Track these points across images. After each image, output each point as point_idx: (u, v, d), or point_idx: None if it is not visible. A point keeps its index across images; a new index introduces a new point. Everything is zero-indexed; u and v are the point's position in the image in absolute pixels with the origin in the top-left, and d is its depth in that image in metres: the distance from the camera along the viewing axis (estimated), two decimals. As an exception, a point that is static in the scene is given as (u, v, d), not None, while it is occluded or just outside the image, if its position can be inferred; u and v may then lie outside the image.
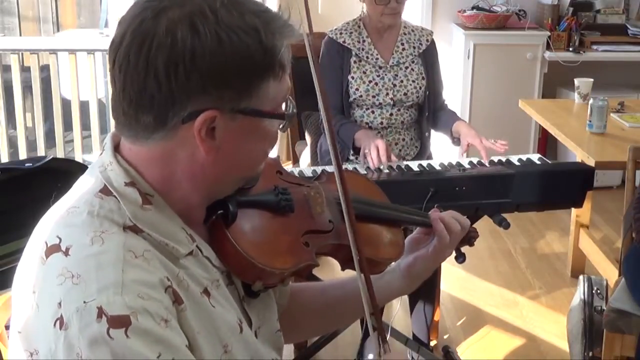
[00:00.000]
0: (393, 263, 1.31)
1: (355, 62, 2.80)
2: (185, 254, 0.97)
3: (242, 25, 0.92)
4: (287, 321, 1.20)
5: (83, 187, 0.98)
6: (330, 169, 2.42)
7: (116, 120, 0.97)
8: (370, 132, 2.70)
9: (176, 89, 0.90)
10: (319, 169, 2.44)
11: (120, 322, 0.83)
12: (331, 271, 3.27)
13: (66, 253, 0.89)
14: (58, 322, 0.84)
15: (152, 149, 0.95)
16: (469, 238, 1.38)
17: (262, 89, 0.95)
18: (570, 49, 4.60)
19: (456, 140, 2.76)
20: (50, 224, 0.95)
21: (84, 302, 0.84)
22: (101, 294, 0.84)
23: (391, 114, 2.81)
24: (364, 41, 2.83)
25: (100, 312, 0.83)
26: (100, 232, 0.90)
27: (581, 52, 4.58)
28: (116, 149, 0.99)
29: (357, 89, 2.78)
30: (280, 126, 1.01)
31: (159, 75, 0.90)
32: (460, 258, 1.43)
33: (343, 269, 1.23)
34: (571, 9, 4.65)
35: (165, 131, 0.93)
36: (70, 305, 0.84)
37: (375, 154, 2.45)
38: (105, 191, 0.95)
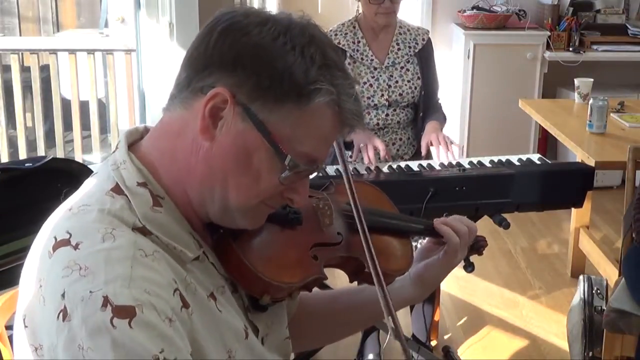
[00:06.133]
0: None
1: (349, 63, 2.79)
2: (192, 258, 0.97)
3: (303, 47, 0.94)
4: (295, 329, 1.19)
5: (94, 185, 0.98)
6: (329, 169, 2.43)
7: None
8: (366, 130, 2.69)
9: (213, 55, 0.94)
10: (318, 169, 2.44)
11: (125, 312, 0.82)
12: (332, 278, 3.27)
13: (76, 247, 0.88)
14: (61, 313, 0.84)
15: (173, 116, 0.98)
16: (478, 247, 1.36)
17: (284, 112, 0.93)
18: (570, 49, 4.60)
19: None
20: (60, 220, 0.94)
21: (90, 291, 0.83)
22: (108, 285, 0.84)
23: (387, 115, 2.81)
24: (358, 42, 2.82)
25: (106, 301, 0.82)
26: (112, 229, 0.90)
27: (581, 52, 4.58)
28: (131, 147, 1.00)
29: None
30: (282, 175, 0.95)
31: (211, 39, 0.95)
32: (470, 267, 1.40)
33: (351, 280, 1.22)
34: (571, 9, 4.66)
35: (187, 93, 0.96)
36: (76, 295, 0.84)
37: (372, 153, 2.45)
38: (116, 190, 0.95)
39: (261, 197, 0.97)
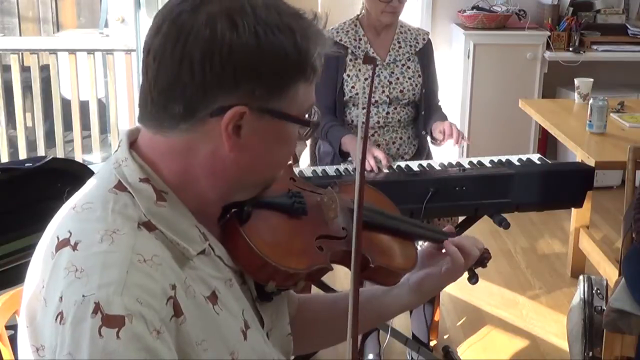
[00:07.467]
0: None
1: (351, 60, 2.80)
2: (195, 253, 0.96)
3: (279, 24, 0.93)
4: (295, 331, 1.19)
5: (97, 184, 0.98)
6: (329, 169, 2.43)
7: (142, 109, 0.97)
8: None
9: (209, 80, 0.91)
10: (319, 169, 2.44)
11: (114, 322, 0.82)
12: (332, 278, 3.27)
13: (74, 247, 0.89)
14: (59, 316, 0.85)
15: (174, 140, 0.95)
16: (482, 259, 1.37)
17: (292, 92, 0.96)
18: (570, 49, 4.60)
19: (433, 140, 2.78)
20: (64, 220, 0.95)
21: (83, 295, 0.84)
22: (101, 290, 0.84)
23: (387, 113, 2.80)
24: (360, 39, 2.83)
25: (97, 308, 0.83)
26: (112, 231, 0.90)
27: (581, 52, 4.58)
28: (132, 146, 1.00)
29: (352, 87, 2.78)
30: (305, 133, 1.02)
31: (194, 65, 0.91)
32: (473, 279, 1.43)
33: None
34: (571, 9, 4.65)
35: (193, 122, 0.93)
36: (70, 298, 0.84)
37: (373, 162, 2.45)
38: (119, 187, 0.95)
39: (290, 159, 1.05)
